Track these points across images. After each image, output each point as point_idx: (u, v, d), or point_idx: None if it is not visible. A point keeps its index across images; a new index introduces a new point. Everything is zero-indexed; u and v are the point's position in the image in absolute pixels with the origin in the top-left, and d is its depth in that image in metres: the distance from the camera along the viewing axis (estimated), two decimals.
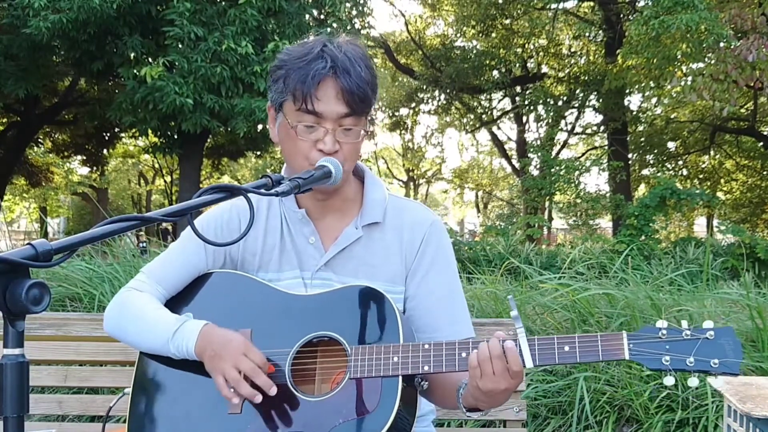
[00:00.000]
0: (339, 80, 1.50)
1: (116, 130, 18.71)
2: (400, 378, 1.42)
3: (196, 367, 1.56)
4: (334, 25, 12.74)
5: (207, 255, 1.68)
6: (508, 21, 20.26)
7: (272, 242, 1.68)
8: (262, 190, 1.29)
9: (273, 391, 1.46)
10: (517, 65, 22.17)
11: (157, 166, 27.71)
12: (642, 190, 23.10)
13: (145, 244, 6.06)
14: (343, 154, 1.54)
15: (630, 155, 20.61)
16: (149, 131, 12.62)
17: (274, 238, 1.68)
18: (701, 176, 23.99)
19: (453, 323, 1.63)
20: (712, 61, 11.44)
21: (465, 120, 27.26)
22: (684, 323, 1.33)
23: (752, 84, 11.52)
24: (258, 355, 1.48)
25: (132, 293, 1.66)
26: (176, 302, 1.68)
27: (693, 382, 1.30)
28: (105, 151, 22.33)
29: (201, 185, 15.32)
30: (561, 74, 21.67)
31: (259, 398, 1.46)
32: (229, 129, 12.12)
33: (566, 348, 1.35)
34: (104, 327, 1.70)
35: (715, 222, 23.03)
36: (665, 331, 1.32)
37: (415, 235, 1.65)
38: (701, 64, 12.28)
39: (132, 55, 11.40)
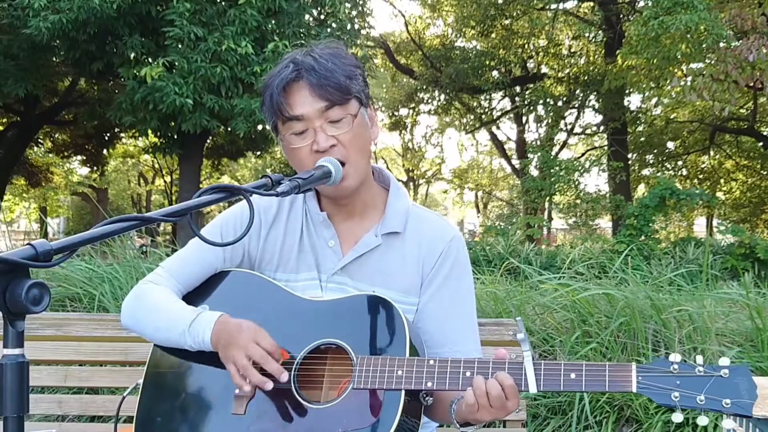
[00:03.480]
0: (306, 79, 1.53)
1: (116, 130, 18.70)
2: (403, 392, 1.41)
3: (203, 366, 1.57)
4: (334, 25, 12.73)
5: (224, 253, 1.69)
6: (507, 21, 20.23)
7: (291, 242, 1.68)
8: (262, 190, 1.29)
9: (284, 377, 1.46)
10: (517, 65, 22.16)
11: (157, 166, 27.72)
12: (642, 190, 23.09)
13: (145, 247, 6.04)
14: (344, 146, 1.54)
15: (630, 155, 20.59)
16: (149, 131, 12.60)
17: (294, 238, 1.68)
18: (701, 176, 23.98)
19: (457, 341, 1.61)
20: (712, 62, 11.44)
21: (465, 120, 27.26)
22: (699, 359, 1.28)
23: (752, 84, 11.52)
24: (269, 342, 1.47)
25: (149, 286, 1.67)
26: (191, 299, 1.70)
27: (702, 420, 1.25)
28: (105, 151, 22.31)
29: (201, 185, 15.31)
30: (561, 74, 21.66)
31: (269, 385, 1.45)
32: (229, 129, 12.12)
33: (572, 375, 1.33)
34: (121, 319, 1.71)
35: (714, 222, 23.05)
36: (677, 366, 1.28)
37: (433, 249, 1.64)
38: (701, 65, 12.27)
39: (132, 55, 11.38)
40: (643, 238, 11.56)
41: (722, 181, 24.30)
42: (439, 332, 1.62)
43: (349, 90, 1.55)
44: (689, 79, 11.84)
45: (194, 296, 1.70)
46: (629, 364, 1.31)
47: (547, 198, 16.12)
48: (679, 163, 23.66)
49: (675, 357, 1.29)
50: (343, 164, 1.53)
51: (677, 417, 1.26)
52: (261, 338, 1.48)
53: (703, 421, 1.25)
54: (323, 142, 1.52)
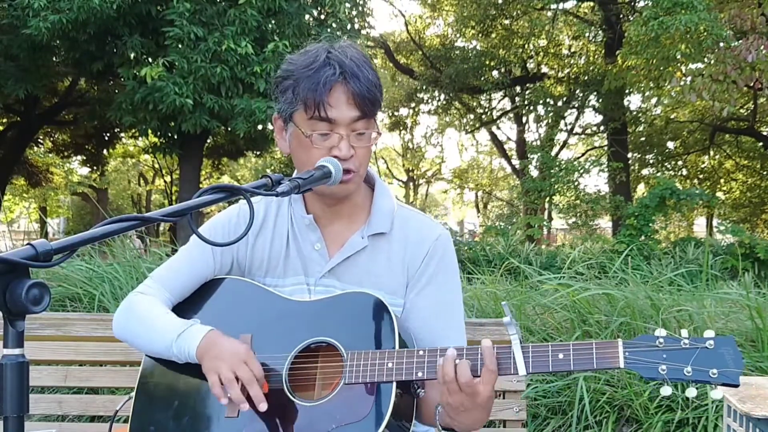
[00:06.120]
0: (349, 85, 1.51)
1: (116, 130, 18.68)
2: (394, 384, 1.42)
3: (197, 371, 1.57)
4: (334, 25, 12.73)
5: (214, 260, 1.69)
6: (507, 21, 20.24)
7: (279, 247, 1.68)
8: (262, 190, 1.29)
9: (263, 407, 1.45)
10: (517, 65, 22.15)
11: (157, 166, 27.68)
12: (642, 190, 23.09)
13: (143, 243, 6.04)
14: (359, 159, 1.55)
15: (630, 155, 20.59)
16: (149, 131, 12.60)
17: (281, 243, 1.68)
18: (701, 176, 23.98)
19: (445, 339, 1.60)
20: (712, 62, 11.45)
21: (465, 120, 27.26)
22: (684, 332, 1.29)
23: (752, 84, 11.52)
24: (258, 368, 1.48)
25: (139, 297, 1.67)
26: (183, 307, 1.70)
27: (691, 392, 1.27)
28: (105, 151, 22.30)
29: (201, 185, 15.31)
30: (561, 74, 21.66)
31: (245, 406, 1.45)
32: (229, 129, 12.12)
33: (560, 356, 1.34)
34: (113, 330, 1.71)
35: (714, 222, 23.05)
36: (663, 340, 1.29)
37: (419, 249, 1.64)
38: (701, 65, 12.28)
39: (132, 55, 11.38)
40: (643, 238, 11.57)
41: (722, 181, 24.32)
42: (425, 328, 1.62)
43: (379, 106, 1.56)
44: (689, 79, 11.84)
45: (186, 305, 1.70)
46: (615, 340, 1.32)
47: (547, 198, 16.13)
48: (679, 163, 23.67)
49: (660, 332, 1.31)
50: (350, 172, 1.54)
51: (666, 390, 1.28)
52: (251, 361, 1.48)
53: (691, 392, 1.27)
54: (345, 151, 1.52)
